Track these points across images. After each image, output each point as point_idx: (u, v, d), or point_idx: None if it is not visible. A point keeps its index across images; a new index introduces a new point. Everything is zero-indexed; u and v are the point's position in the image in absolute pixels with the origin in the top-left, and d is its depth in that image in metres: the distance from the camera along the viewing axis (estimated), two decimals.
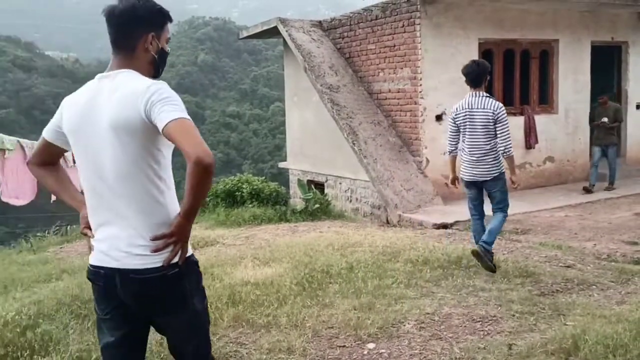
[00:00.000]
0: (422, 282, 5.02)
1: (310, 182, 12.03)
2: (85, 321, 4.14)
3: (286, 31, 11.39)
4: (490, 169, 5.40)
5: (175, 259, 2.06)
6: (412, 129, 9.82)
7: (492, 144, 5.36)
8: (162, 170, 2.09)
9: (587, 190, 9.90)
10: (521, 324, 4.07)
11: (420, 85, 9.48)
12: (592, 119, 10.38)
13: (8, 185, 5.90)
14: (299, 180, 11.81)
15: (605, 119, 9.92)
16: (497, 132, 5.32)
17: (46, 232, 10.18)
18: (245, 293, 4.70)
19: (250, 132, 62.13)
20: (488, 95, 5.45)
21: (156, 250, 2.03)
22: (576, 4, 10.29)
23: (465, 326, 4.09)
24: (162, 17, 2.19)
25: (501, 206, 5.54)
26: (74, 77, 64.44)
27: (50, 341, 3.80)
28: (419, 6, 9.36)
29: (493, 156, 5.38)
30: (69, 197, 2.31)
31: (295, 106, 12.68)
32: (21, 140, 6.18)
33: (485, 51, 10.14)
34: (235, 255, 6.14)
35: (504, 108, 5.39)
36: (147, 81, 2.04)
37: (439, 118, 9.60)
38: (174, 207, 2.11)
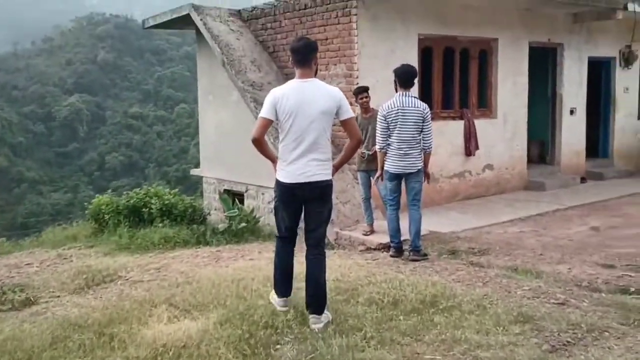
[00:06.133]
0: (399, 337, 3.81)
1: (227, 191, 10.58)
2: None
3: (200, 20, 9.89)
4: (416, 162, 6.03)
5: (330, 177, 4.21)
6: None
7: (419, 139, 6.02)
8: (330, 134, 4.21)
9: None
10: None
11: (357, 83, 8.34)
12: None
13: None
14: (220, 193, 10.31)
15: (365, 151, 7.02)
16: (424, 129, 6.01)
17: None
18: None
19: (154, 134, 59.03)
20: (414, 96, 6.16)
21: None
22: (515, 2, 9.64)
23: None
24: (318, 47, 4.37)
25: (418, 198, 6.11)
26: None
27: None
28: None
29: (418, 150, 6.04)
30: (272, 154, 4.36)
31: (210, 106, 11.15)
32: None
33: (425, 48, 9.21)
34: (144, 299, 4.64)
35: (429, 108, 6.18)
36: (334, 88, 4.27)
37: None
38: (330, 152, 4.24)
